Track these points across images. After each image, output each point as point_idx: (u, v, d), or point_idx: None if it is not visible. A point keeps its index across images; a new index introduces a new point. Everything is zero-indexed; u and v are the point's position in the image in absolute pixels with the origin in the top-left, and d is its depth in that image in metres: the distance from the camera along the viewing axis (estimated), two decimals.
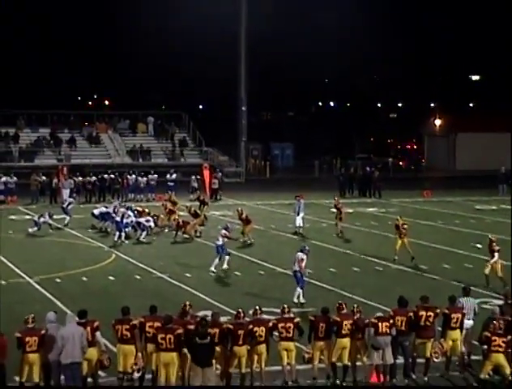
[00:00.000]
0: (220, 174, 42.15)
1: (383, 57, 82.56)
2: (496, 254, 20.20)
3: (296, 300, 18.22)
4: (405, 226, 23.80)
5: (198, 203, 33.34)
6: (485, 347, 13.31)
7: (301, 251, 18.90)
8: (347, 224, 30.13)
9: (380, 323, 13.45)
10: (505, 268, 20.62)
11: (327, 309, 13.79)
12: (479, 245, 22.83)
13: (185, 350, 12.93)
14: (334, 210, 28.87)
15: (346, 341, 13.51)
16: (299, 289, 18.59)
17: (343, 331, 13.50)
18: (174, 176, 40.77)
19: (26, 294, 19.78)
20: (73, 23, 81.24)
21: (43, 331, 12.76)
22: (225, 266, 21.99)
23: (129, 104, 64.22)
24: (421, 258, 23.79)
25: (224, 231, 22.37)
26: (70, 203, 31.48)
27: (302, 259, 18.70)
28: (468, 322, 14.41)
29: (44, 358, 12.71)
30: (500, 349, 13.12)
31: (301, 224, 28.99)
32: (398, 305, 14.06)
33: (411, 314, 13.88)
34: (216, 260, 22.05)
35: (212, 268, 21.99)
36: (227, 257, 22.09)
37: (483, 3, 78.48)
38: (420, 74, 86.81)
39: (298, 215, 28.95)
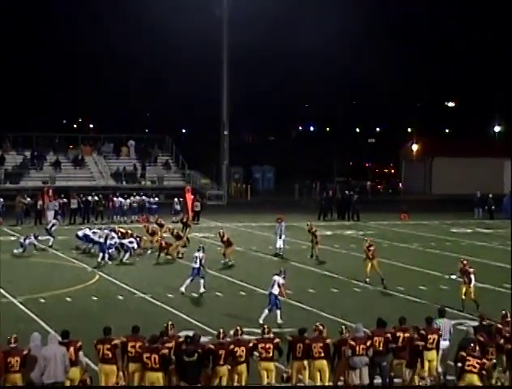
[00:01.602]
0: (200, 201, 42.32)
1: (362, 84, 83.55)
2: (472, 277, 20.35)
3: (261, 321, 18.09)
4: (371, 248, 23.87)
5: (180, 225, 33.72)
6: (459, 365, 13.42)
7: (279, 275, 19.05)
8: (326, 246, 30.56)
9: (357, 345, 13.60)
10: (479, 291, 20.95)
11: (305, 329, 13.96)
12: (453, 277, 22.99)
13: (172, 368, 13.12)
14: (310, 235, 28.85)
15: (319, 363, 13.60)
16: (266, 311, 18.67)
17: (315, 354, 13.60)
18: (157, 199, 41.12)
19: (10, 314, 19.82)
20: (59, 47, 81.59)
21: (25, 352, 12.79)
22: (202, 289, 22.01)
23: (113, 128, 64.55)
24: (398, 280, 24.18)
25: (201, 254, 22.20)
26: (53, 225, 31.73)
27: (283, 284, 18.88)
28: (444, 343, 14.59)
29: (27, 378, 12.72)
30: (474, 370, 13.15)
31: (282, 246, 29.35)
32: (376, 326, 14.28)
33: (389, 334, 14.07)
34: (188, 281, 22.04)
35: (182, 289, 22.01)
36: (201, 280, 22.02)
37: (458, 31, 79.91)
38: (397, 100, 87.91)
39: (280, 237, 29.36)
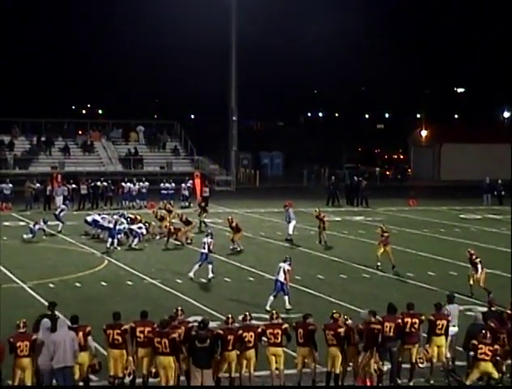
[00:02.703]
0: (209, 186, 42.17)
1: (371, 70, 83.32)
2: (479, 266, 20.33)
3: (268, 307, 18.19)
4: (385, 234, 23.98)
5: (187, 211, 33.68)
6: (472, 353, 13.45)
7: (284, 262, 19.07)
8: (335, 232, 30.57)
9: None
10: (488, 277, 20.88)
11: (307, 315, 13.98)
12: None
13: (182, 356, 13.14)
14: (318, 221, 28.77)
15: (332, 350, 13.61)
16: (272, 297, 18.71)
17: (329, 341, 13.63)
18: (172, 185, 40.76)
19: (20, 299, 19.96)
20: (68, 34, 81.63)
21: (34, 336, 12.88)
22: (211, 275, 22.06)
23: (122, 113, 64.62)
24: (407, 266, 24.19)
25: (209, 240, 22.24)
26: (62, 210, 31.80)
27: (288, 270, 18.90)
28: (453, 329, 14.61)
29: (36, 363, 12.83)
30: (486, 358, 13.20)
31: (291, 232, 29.33)
32: (387, 312, 14.26)
33: (400, 320, 14.06)
34: (196, 266, 22.09)
35: (191, 274, 22.07)
36: (210, 265, 22.08)
37: (467, 19, 79.51)
38: (406, 86, 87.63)
39: (289, 222, 29.35)
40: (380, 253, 23.74)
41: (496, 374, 13.31)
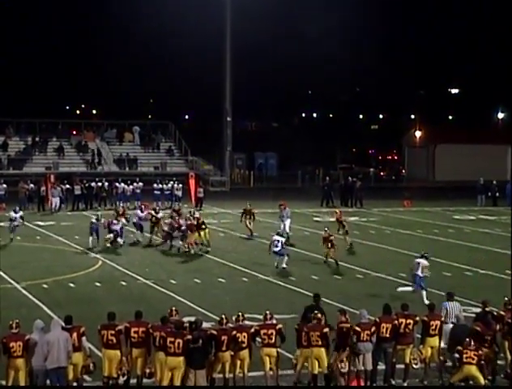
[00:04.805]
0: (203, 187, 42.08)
1: (365, 70, 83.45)
2: None
3: (426, 301, 18.43)
4: (331, 238, 24.50)
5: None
6: (457, 356, 13.45)
7: (422, 257, 19.93)
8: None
9: (362, 331, 13.65)
10: (484, 278, 20.94)
11: (310, 317, 13.98)
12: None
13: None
14: (337, 222, 28.12)
15: (317, 351, 13.55)
16: (424, 292, 19.44)
17: (313, 342, 13.58)
18: (169, 186, 40.58)
19: (13, 299, 19.91)
20: (62, 33, 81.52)
21: (27, 337, 12.84)
22: (284, 265, 23.46)
23: (116, 114, 64.57)
24: (400, 267, 24.14)
25: (282, 239, 23.64)
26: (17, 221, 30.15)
27: (426, 266, 19.74)
28: (450, 326, 14.58)
29: (30, 363, 12.79)
30: (472, 361, 13.19)
31: (287, 231, 29.25)
32: (383, 313, 14.28)
33: (396, 321, 14.06)
34: (277, 257, 23.57)
35: (283, 265, 23.49)
36: (286, 257, 23.51)
37: (461, 21, 79.76)
38: (401, 87, 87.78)
39: (283, 221, 29.29)
40: (329, 254, 24.34)
41: (481, 380, 13.29)
